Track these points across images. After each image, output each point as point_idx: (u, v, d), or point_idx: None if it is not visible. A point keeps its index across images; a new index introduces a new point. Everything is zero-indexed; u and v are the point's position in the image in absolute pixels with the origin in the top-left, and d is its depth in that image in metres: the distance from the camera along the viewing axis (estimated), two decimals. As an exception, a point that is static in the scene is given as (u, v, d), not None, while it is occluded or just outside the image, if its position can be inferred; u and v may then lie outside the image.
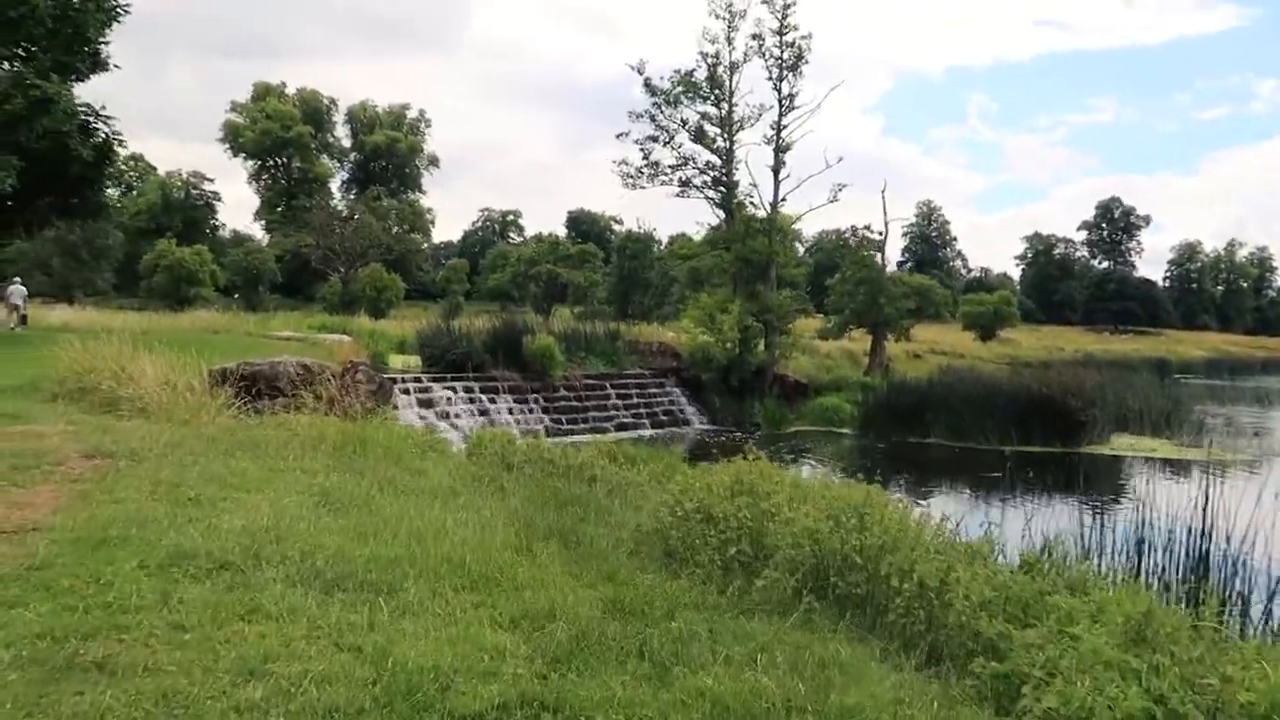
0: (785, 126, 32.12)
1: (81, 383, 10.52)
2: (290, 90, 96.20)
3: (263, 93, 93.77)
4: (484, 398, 25.91)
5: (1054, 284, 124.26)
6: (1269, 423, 33.58)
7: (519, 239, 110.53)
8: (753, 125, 32.65)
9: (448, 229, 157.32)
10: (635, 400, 30.01)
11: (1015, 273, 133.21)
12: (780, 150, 32.08)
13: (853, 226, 44.26)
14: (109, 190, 22.12)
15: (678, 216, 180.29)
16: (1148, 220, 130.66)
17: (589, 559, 6.43)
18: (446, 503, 7.76)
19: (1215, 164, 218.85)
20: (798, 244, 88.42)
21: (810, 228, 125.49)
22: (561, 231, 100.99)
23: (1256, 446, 26.32)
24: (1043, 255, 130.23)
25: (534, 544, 6.59)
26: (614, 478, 9.94)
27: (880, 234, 41.73)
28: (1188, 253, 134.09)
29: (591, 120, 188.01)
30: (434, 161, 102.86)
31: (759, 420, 30.79)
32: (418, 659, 3.88)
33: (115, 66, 21.65)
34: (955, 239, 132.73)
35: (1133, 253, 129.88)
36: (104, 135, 20.53)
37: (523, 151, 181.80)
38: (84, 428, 8.48)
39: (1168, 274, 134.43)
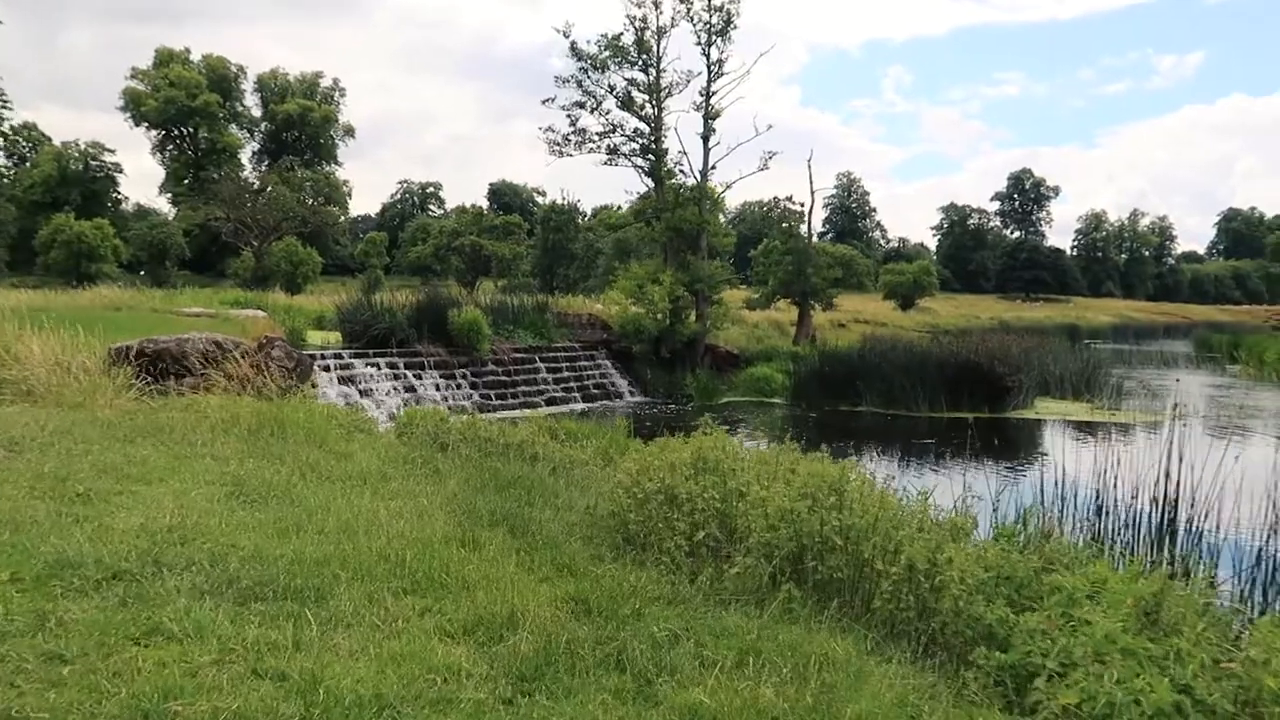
0: (714, 93, 31.57)
1: (-38, 365, 9.42)
2: (195, 57, 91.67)
3: (166, 59, 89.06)
4: (409, 374, 24.90)
5: (969, 254, 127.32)
6: (1178, 384, 34.72)
7: (439, 212, 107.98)
8: (681, 92, 32.03)
9: (366, 202, 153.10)
10: (566, 374, 29.33)
11: (932, 243, 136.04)
12: (709, 117, 31.54)
13: (775, 197, 44.22)
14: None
15: (602, 188, 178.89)
16: (1057, 191, 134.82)
17: (541, 548, 5.82)
18: (377, 490, 7.05)
19: (1117, 137, 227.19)
20: (721, 215, 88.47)
21: (737, 197, 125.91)
22: (484, 204, 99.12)
23: (1178, 408, 27.13)
24: (958, 226, 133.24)
25: (479, 533, 5.95)
26: (556, 456, 9.32)
27: (803, 205, 41.67)
28: (1094, 223, 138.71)
29: (513, 92, 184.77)
30: (349, 132, 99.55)
31: (691, 392, 30.45)
32: (354, 686, 3.22)
33: (-7, 20, 19.74)
34: (875, 210, 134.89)
35: (1043, 223, 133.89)
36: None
37: (443, 123, 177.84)
38: (-44, 417, 7.48)
39: (1074, 243, 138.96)
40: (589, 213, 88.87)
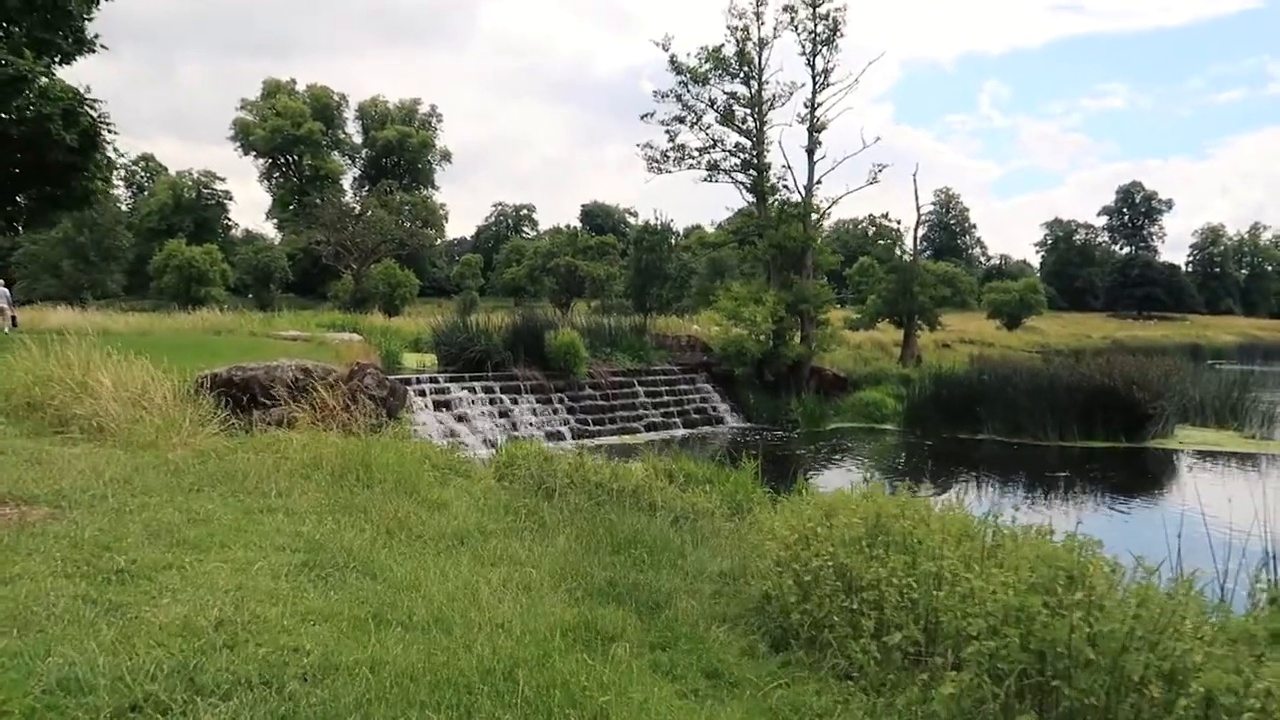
0: (820, 104, 30.12)
1: (30, 397, 8.73)
2: (300, 87, 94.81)
3: (273, 90, 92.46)
4: (505, 398, 24.10)
5: (1075, 270, 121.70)
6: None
7: (533, 234, 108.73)
8: (783, 104, 30.65)
9: (461, 225, 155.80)
10: (665, 398, 28.12)
11: (1035, 259, 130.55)
12: (815, 130, 30.07)
13: (870, 215, 42.45)
14: (98, 181, 20.35)
15: (695, 207, 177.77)
16: (1170, 205, 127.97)
17: (680, 642, 4.59)
18: (476, 551, 5.94)
19: (1231, 148, 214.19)
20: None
21: (845, 212, 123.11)
22: (576, 225, 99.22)
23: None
24: (1063, 241, 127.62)
25: (601, 616, 4.75)
26: (677, 504, 8.08)
27: (899, 222, 39.84)
28: (1210, 237, 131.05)
29: (604, 115, 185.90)
30: (446, 156, 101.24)
31: (796, 417, 28.86)
32: None
33: (102, 47, 19.91)
34: (974, 226, 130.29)
35: (1155, 238, 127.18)
36: (89, 120, 18.76)
37: (536, 147, 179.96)
38: (11, 458, 6.66)
39: (1190, 258, 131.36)
40: (681, 233, 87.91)
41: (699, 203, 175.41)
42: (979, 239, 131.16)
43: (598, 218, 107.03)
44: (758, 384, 30.18)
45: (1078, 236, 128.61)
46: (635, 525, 7.28)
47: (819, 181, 30.39)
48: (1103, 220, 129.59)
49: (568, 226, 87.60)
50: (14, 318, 25.22)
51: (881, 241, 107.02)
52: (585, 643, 4.26)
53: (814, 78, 30.05)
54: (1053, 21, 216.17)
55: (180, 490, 6.14)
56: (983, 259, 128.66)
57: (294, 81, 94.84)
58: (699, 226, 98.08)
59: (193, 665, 3.32)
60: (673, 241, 79.38)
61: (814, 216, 30.45)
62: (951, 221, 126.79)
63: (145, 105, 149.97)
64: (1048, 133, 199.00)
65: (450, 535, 6.14)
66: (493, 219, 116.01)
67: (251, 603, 4.07)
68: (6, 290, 26.75)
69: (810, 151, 30.12)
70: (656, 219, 75.31)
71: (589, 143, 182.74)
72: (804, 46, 29.91)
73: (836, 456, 23.66)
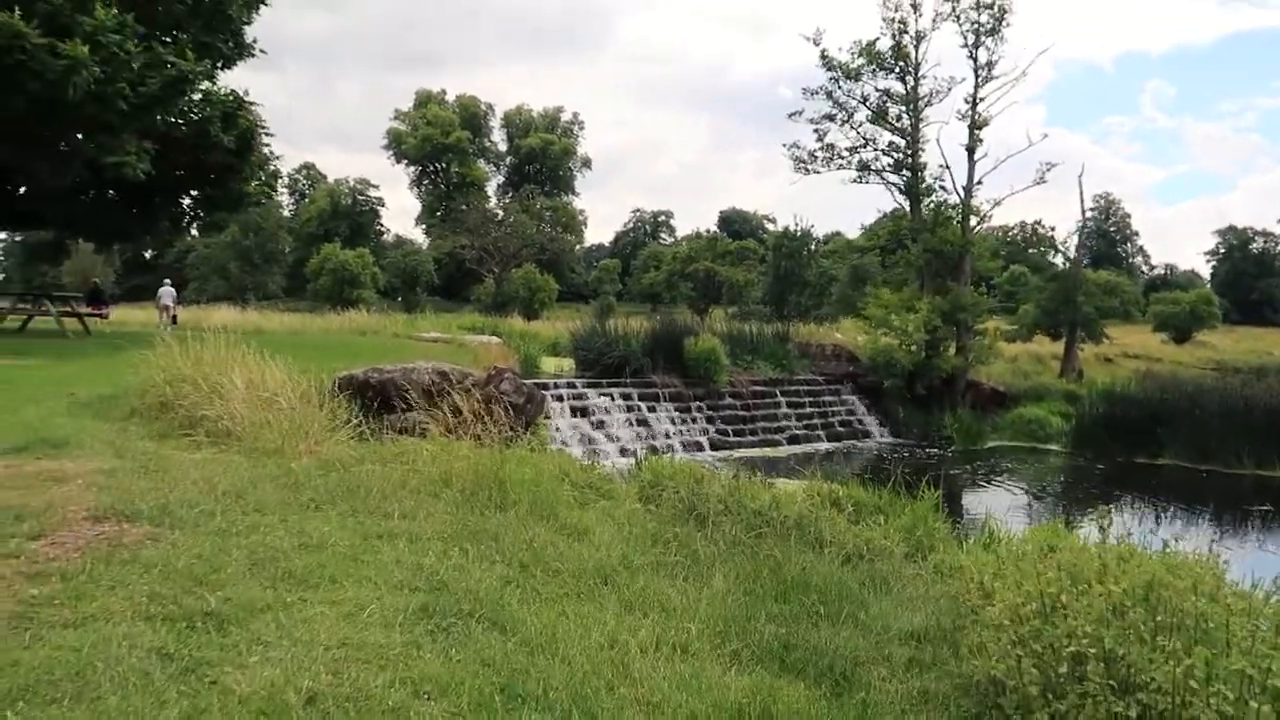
0: (981, 99, 28.07)
1: (164, 396, 8.51)
2: (450, 97, 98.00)
3: (424, 100, 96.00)
4: (642, 406, 23.35)
5: (1251, 281, 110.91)
6: None
7: (670, 240, 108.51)
8: (941, 100, 28.73)
9: (599, 232, 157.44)
10: (808, 409, 26.74)
11: (1204, 269, 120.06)
12: (976, 127, 28.00)
13: (1022, 221, 39.62)
14: (253, 183, 20.89)
15: (834, 214, 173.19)
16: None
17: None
18: (621, 592, 5.06)
19: None
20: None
21: (995, 218, 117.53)
22: (714, 231, 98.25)
23: None
24: (1237, 250, 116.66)
25: (778, 696, 3.75)
26: (848, 539, 6.97)
27: (1054, 228, 37.01)
28: None
29: (740, 121, 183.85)
30: (587, 163, 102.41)
31: (951, 434, 26.88)
32: None
33: (261, 52, 20.49)
34: (1136, 233, 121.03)
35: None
36: (247, 123, 19.20)
37: (673, 153, 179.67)
38: (128, 464, 6.26)
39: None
40: (821, 239, 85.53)
41: (839, 209, 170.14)
42: (1140, 247, 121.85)
43: (735, 224, 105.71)
44: (908, 397, 28.35)
45: (1254, 245, 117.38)
46: (802, 564, 6.24)
47: (979, 182, 28.33)
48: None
49: (707, 231, 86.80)
50: (175, 316, 26.46)
51: (1033, 251, 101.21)
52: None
53: (976, 71, 28.03)
54: (1224, 17, 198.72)
55: (296, 507, 5.53)
56: (1145, 268, 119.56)
57: (444, 92, 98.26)
58: (839, 233, 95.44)
59: (268, 764, 2.55)
60: (812, 247, 77.47)
61: (973, 220, 28.36)
62: (1111, 229, 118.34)
63: (307, 118, 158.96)
64: (1217, 134, 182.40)
65: (592, 571, 5.27)
66: (631, 225, 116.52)
67: (354, 667, 3.29)
68: (173, 290, 28.17)
69: (970, 150, 28.09)
70: (796, 224, 73.66)
71: (726, 148, 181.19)
72: (965, 38, 27.96)
73: (998, 478, 21.74)
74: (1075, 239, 45.69)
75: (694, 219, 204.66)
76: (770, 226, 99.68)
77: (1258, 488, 20.82)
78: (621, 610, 4.76)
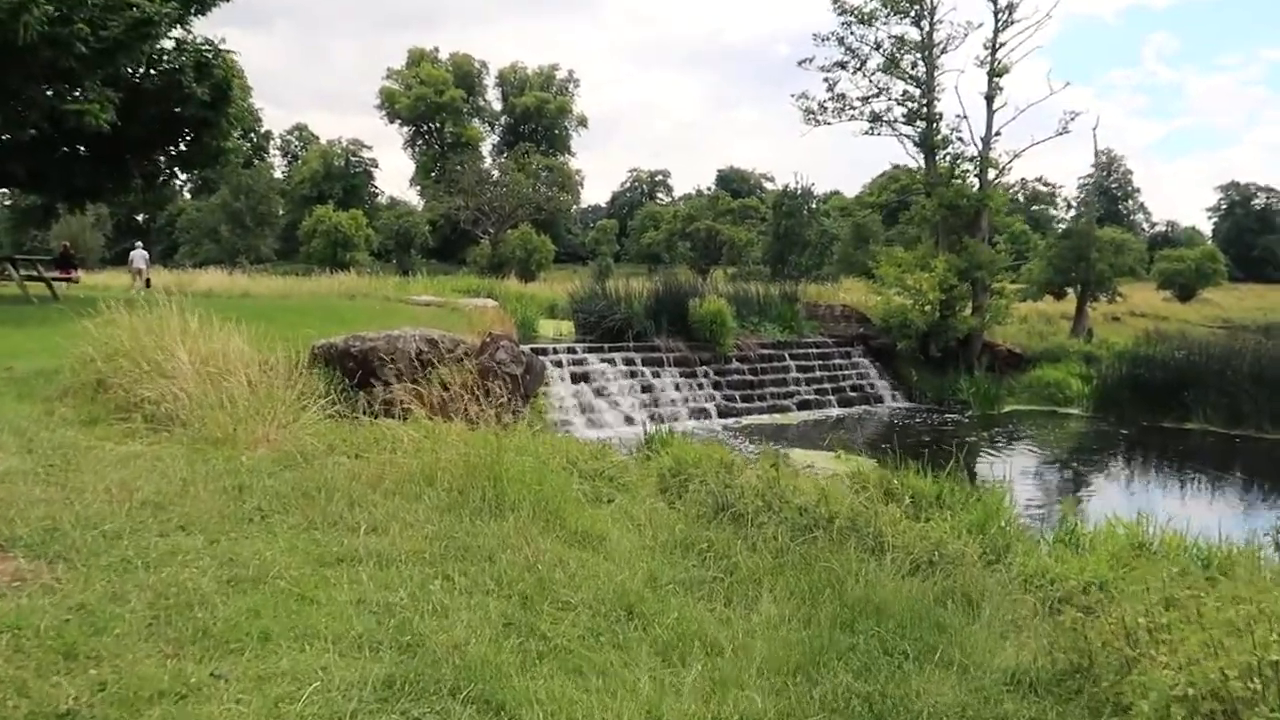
0: (1002, 45, 26.56)
1: (101, 374, 7.30)
2: (443, 55, 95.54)
3: (417, 59, 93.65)
4: (646, 371, 22.19)
5: (1253, 238, 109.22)
6: None
7: (667, 199, 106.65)
8: (957, 47, 27.24)
9: (595, 192, 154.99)
10: (818, 373, 25.60)
11: (1205, 226, 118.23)
12: (995, 74, 26.54)
13: (1022, 179, 38.23)
14: (233, 137, 19.52)
15: (832, 172, 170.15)
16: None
17: None
18: (652, 630, 3.91)
19: None
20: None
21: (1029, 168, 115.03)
22: (712, 190, 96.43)
23: None
24: (1239, 207, 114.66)
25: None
26: (909, 538, 5.85)
27: (1057, 185, 35.68)
28: None
29: (736, 80, 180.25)
30: (583, 122, 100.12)
31: (967, 398, 25.79)
32: None
33: (235, -4, 18.93)
34: (1138, 190, 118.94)
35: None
36: (222, 73, 17.79)
37: (669, 112, 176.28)
38: (32, 462, 5.03)
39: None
40: (821, 198, 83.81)
41: (837, 167, 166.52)
42: (1142, 204, 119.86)
43: (734, 182, 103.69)
44: (921, 359, 27.20)
45: (1257, 201, 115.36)
46: (864, 576, 5.12)
47: (998, 133, 26.93)
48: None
49: (706, 190, 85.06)
50: (149, 280, 25.27)
51: (1036, 207, 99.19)
52: None
53: (995, 14, 26.50)
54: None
55: (235, 521, 4.35)
56: (1146, 225, 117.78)
57: (437, 50, 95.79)
58: (838, 192, 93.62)
59: None
60: (813, 206, 75.83)
61: (991, 172, 26.99)
62: (1113, 185, 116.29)
63: (298, 79, 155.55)
64: (1221, 86, 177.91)
65: (613, 599, 4.14)
66: (628, 185, 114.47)
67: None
68: (145, 253, 26.98)
69: (990, 99, 26.65)
70: (796, 182, 71.93)
71: (723, 106, 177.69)
72: (985, -22, 26.39)
73: (1024, 446, 20.69)
74: (1088, 194, 44.26)
75: (691, 179, 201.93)
76: (769, 185, 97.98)
77: (1290, 453, 19.90)
78: (656, 659, 3.64)
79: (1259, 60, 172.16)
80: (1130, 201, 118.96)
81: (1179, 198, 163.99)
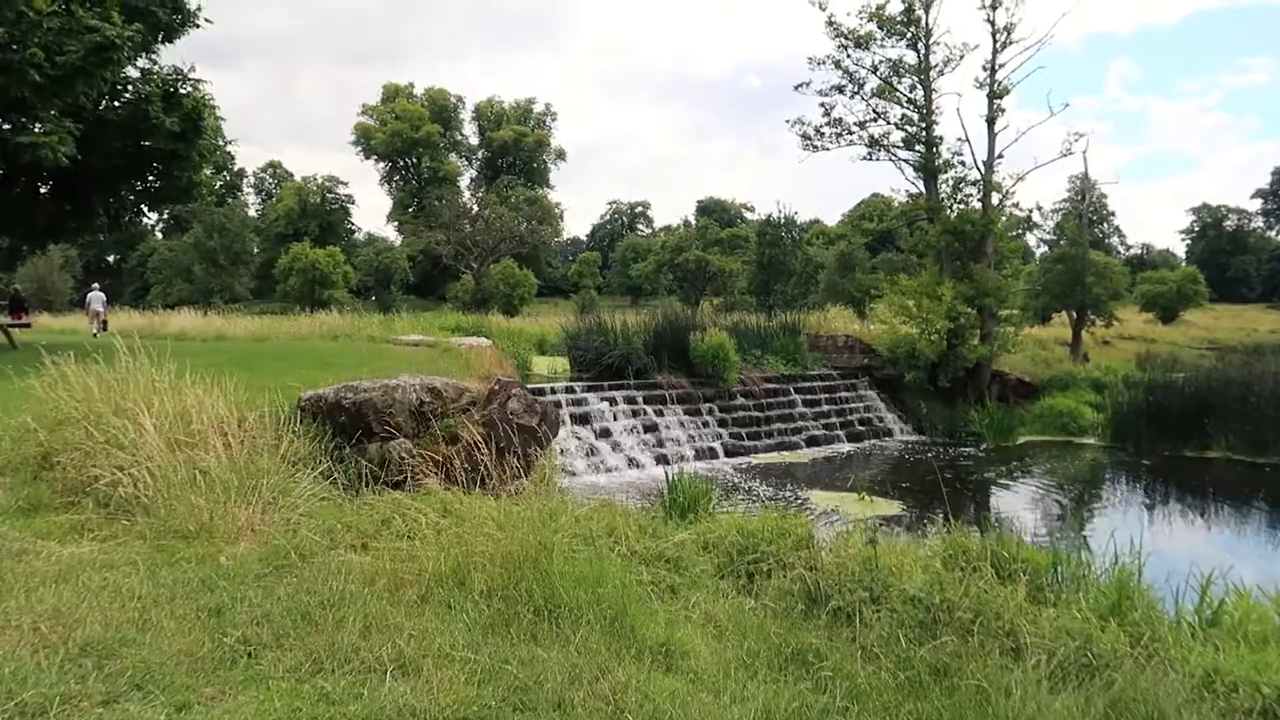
0: (1001, 66, 25.95)
1: (46, 446, 5.92)
2: (418, 90, 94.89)
3: (392, 94, 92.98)
4: (649, 409, 21.06)
5: (1226, 259, 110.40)
6: None
7: (648, 231, 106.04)
8: (954, 69, 26.61)
9: (573, 225, 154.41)
10: (825, 408, 24.58)
11: (1178, 248, 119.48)
12: (996, 95, 25.90)
13: (1025, 207, 37.72)
14: (204, 171, 18.31)
15: (810, 202, 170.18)
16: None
17: None
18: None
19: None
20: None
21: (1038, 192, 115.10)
22: (692, 221, 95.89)
23: None
24: (1211, 229, 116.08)
25: None
26: (1041, 628, 4.73)
27: (1037, 209, 35.21)
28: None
29: (710, 112, 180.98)
30: (561, 155, 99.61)
31: (979, 429, 24.87)
32: None
33: (207, 21, 17.83)
34: (1113, 214, 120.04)
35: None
36: (192, 103, 16.66)
37: (644, 145, 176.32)
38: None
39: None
40: (801, 226, 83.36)
41: (815, 197, 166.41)
42: (1117, 227, 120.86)
43: (714, 213, 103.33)
44: (929, 390, 26.27)
45: (1228, 222, 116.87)
46: (1014, 692, 3.97)
47: (1000, 156, 26.21)
48: (1257, 204, 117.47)
49: (688, 223, 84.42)
50: (105, 322, 24.25)
51: (1014, 233, 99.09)
52: None
53: (994, 35, 25.91)
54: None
55: (212, 666, 3.07)
56: (1121, 249, 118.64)
57: (412, 85, 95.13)
58: (818, 221, 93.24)
59: None
60: (795, 235, 75.27)
61: (995, 196, 26.25)
62: (1089, 210, 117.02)
63: (270, 116, 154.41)
64: (1183, 112, 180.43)
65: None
66: (607, 217, 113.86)
67: None
68: (102, 295, 26.02)
69: (991, 121, 25.98)
70: (779, 211, 71.36)
71: (698, 139, 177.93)
72: (983, 0, 25.82)
73: (1043, 480, 19.66)
74: (1081, 217, 44.00)
75: (669, 210, 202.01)
76: (749, 215, 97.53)
77: (1321, 483, 19.03)
78: None
79: (1219, 86, 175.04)
80: (1106, 225, 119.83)
81: (1149, 222, 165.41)
